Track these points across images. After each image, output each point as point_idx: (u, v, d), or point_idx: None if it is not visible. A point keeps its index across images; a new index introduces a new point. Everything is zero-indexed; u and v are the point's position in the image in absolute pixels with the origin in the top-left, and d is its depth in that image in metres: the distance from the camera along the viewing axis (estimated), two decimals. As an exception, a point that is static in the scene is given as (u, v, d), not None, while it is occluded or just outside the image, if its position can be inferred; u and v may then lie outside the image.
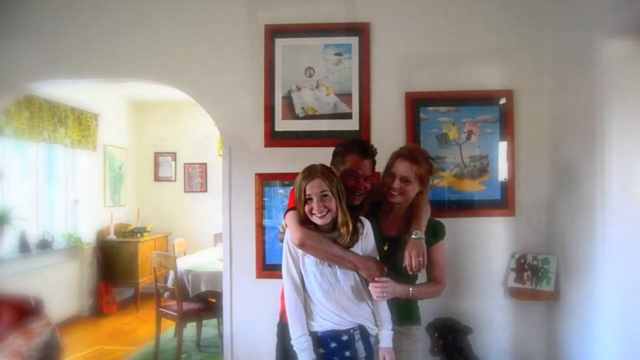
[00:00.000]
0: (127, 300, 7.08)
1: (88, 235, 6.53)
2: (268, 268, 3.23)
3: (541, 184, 3.14)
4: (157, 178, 7.84)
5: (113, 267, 6.71)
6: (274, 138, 3.22)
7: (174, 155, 7.79)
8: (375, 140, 3.18)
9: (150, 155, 7.87)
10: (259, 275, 3.24)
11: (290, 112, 3.22)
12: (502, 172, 3.16)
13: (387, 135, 3.18)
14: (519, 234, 3.13)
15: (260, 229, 3.24)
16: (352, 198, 2.38)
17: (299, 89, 3.22)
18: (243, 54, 3.28)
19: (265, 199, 3.24)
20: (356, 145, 2.46)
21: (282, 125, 3.22)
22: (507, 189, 3.15)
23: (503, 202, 3.13)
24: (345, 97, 3.21)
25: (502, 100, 3.13)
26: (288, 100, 3.24)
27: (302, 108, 3.23)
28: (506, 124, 3.14)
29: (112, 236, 6.79)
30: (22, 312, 3.15)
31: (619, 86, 2.43)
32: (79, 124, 6.25)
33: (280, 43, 3.24)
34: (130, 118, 7.69)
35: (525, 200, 3.15)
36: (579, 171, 2.73)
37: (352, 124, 3.19)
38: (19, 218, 5.10)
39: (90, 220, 6.61)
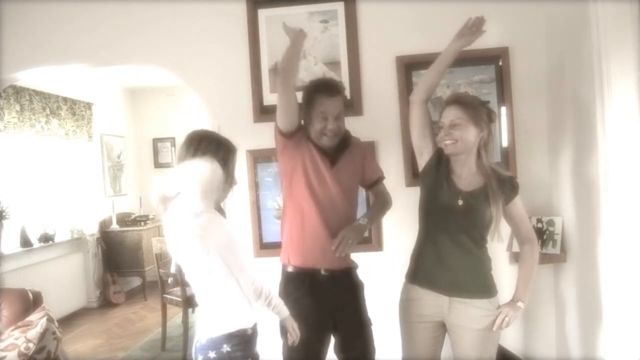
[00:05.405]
0: (135, 290, 7.09)
1: (90, 226, 6.50)
2: (266, 246, 3.16)
3: (542, 144, 3.04)
4: (157, 164, 7.78)
5: (118, 257, 6.70)
6: (263, 113, 3.12)
7: (172, 141, 7.71)
8: (368, 108, 3.11)
9: (149, 142, 7.82)
10: (257, 254, 3.17)
11: (278, 84, 3.11)
12: (502, 134, 3.04)
13: (380, 102, 3.09)
14: (522, 196, 3.02)
15: (256, 207, 3.17)
16: (325, 139, 2.33)
17: (285, 60, 3.11)
18: (227, 29, 3.18)
19: (258, 176, 3.16)
20: (321, 84, 2.36)
21: (271, 99, 3.11)
22: (508, 151, 3.04)
23: (504, 164, 3.02)
24: (334, 65, 3.10)
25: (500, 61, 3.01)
26: (275, 72, 3.12)
27: (290, 80, 3.12)
28: (503, 83, 3.02)
29: (114, 226, 6.76)
30: (21, 306, 3.13)
31: (615, 40, 2.30)
32: (72, 114, 6.17)
33: (263, 14, 3.13)
34: (126, 105, 7.60)
35: (527, 161, 3.05)
36: (579, 128, 2.62)
37: (343, 93, 3.08)
38: (18, 213, 5.08)
39: (92, 211, 6.57)
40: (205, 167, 1.74)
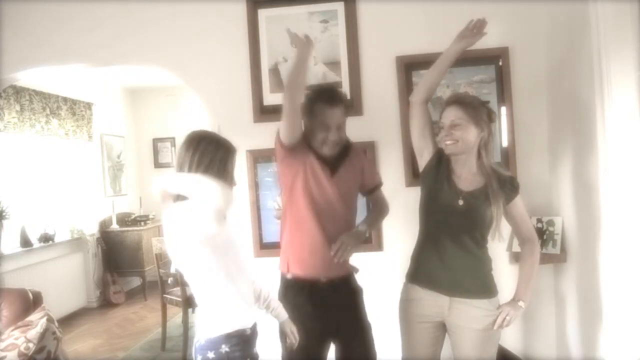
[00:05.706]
0: (135, 290, 7.09)
1: (90, 226, 6.50)
2: (266, 246, 3.16)
3: (542, 144, 3.04)
4: (157, 164, 7.78)
5: (118, 257, 6.70)
6: (263, 113, 3.12)
7: (172, 141, 7.70)
8: (368, 108, 3.10)
9: (149, 142, 7.82)
10: (257, 254, 3.17)
11: (278, 85, 3.11)
12: (502, 134, 3.04)
13: (380, 102, 3.09)
14: (522, 196, 3.01)
15: (256, 207, 3.17)
16: (326, 149, 2.30)
17: (285, 60, 3.11)
18: (227, 29, 3.18)
19: (258, 176, 3.16)
20: (323, 93, 2.31)
21: (271, 99, 3.11)
22: (507, 151, 3.04)
23: (504, 164, 3.01)
24: (334, 65, 3.10)
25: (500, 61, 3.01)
26: (275, 72, 3.13)
27: (290, 80, 3.12)
28: (503, 83, 3.02)
29: (114, 226, 6.76)
30: (21, 306, 3.13)
31: (615, 40, 2.30)
32: (72, 114, 6.17)
33: (263, 14, 3.13)
34: (126, 105, 7.61)
35: (527, 161, 3.05)
36: (579, 128, 2.62)
37: (343, 93, 3.08)
38: (18, 213, 5.07)
39: (92, 211, 6.58)
40: (218, 194, 1.71)
